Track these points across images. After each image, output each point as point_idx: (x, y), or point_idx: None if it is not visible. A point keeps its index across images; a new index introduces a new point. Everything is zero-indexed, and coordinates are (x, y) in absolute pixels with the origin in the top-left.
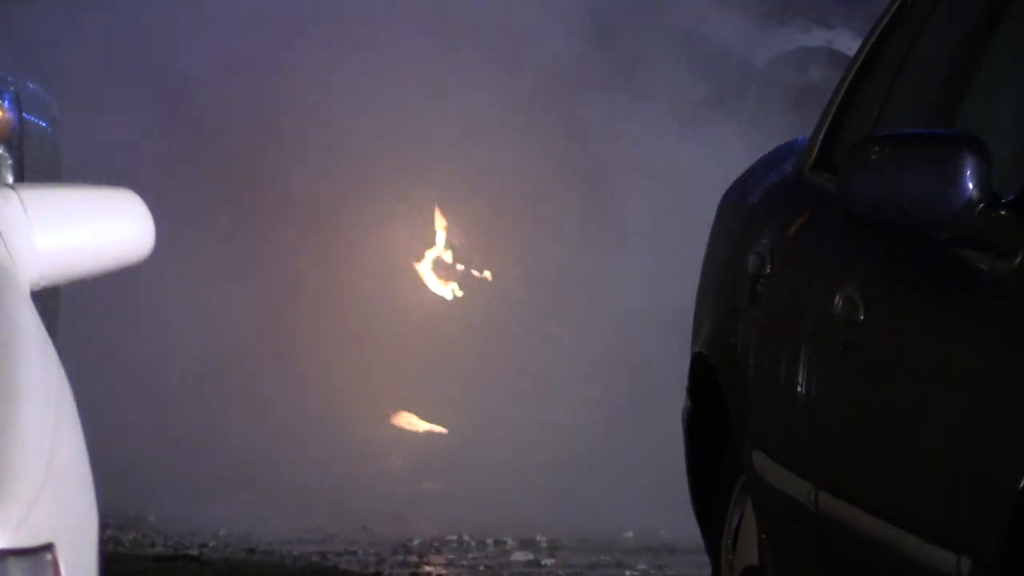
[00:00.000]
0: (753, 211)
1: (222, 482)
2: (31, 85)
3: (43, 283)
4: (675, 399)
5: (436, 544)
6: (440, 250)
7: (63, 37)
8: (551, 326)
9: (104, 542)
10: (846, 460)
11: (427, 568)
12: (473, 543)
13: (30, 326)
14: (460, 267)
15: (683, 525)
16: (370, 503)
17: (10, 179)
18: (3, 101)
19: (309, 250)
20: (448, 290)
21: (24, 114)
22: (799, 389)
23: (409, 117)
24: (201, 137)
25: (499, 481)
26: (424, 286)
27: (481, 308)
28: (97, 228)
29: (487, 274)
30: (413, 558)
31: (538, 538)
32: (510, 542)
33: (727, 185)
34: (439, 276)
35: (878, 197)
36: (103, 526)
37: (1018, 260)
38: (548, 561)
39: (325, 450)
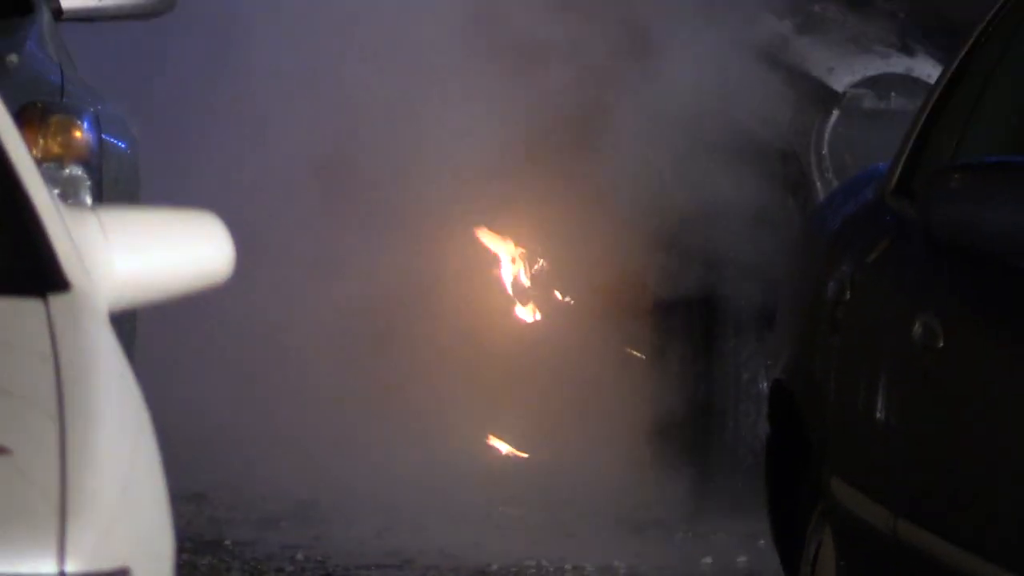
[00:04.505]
0: (833, 238)
1: (299, 507)
2: (110, 105)
3: (121, 305)
4: (756, 426)
5: (514, 570)
6: (520, 273)
7: (144, 58)
8: (632, 351)
9: (180, 567)
10: (925, 487)
11: None
12: (551, 569)
13: (107, 349)
14: (541, 291)
15: (762, 552)
16: (448, 528)
17: (89, 201)
18: (82, 122)
19: (384, 274)
20: (528, 313)
21: (103, 135)
22: (878, 416)
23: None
24: (277, 153)
25: (577, 507)
26: (504, 310)
27: (561, 333)
28: (176, 250)
29: (568, 298)
30: None
31: (616, 564)
32: (588, 568)
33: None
34: (520, 300)
35: (959, 224)
36: (179, 550)
37: None
38: None
39: (403, 474)
